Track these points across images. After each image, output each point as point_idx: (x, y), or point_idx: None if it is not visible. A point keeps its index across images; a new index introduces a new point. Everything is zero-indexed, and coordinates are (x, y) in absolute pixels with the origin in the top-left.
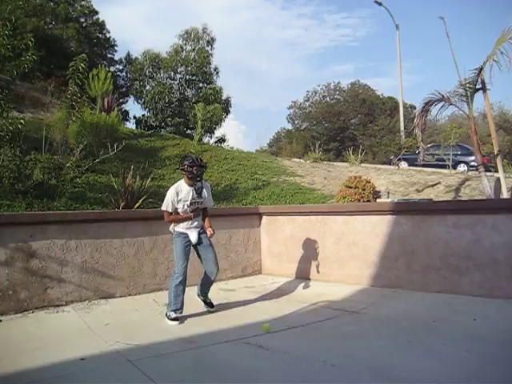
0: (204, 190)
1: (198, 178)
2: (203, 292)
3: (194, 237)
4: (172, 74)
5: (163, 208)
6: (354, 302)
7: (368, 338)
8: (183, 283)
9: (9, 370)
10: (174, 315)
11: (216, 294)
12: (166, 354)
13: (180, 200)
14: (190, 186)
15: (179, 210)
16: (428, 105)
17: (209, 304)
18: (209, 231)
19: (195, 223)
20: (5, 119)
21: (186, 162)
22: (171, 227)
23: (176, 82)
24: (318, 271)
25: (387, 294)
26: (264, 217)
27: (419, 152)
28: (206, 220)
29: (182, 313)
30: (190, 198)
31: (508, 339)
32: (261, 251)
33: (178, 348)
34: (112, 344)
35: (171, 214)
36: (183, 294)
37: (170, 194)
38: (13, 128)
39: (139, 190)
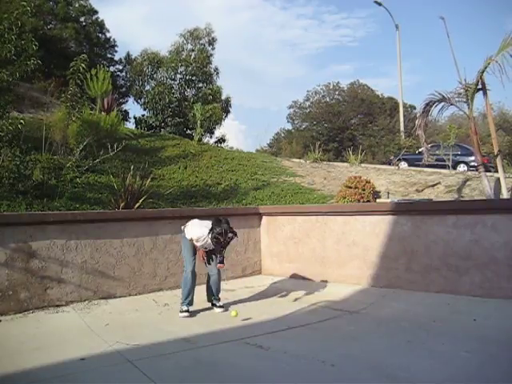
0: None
1: (222, 249)
2: (211, 295)
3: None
4: (172, 73)
5: (187, 236)
6: (353, 302)
7: (368, 338)
8: (194, 275)
9: (9, 370)
10: (185, 308)
11: None
12: (166, 354)
13: (198, 243)
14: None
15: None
16: (428, 105)
17: (219, 307)
18: (219, 266)
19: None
20: (5, 119)
21: (217, 230)
22: (183, 227)
23: (176, 82)
24: (318, 271)
25: (387, 294)
26: (264, 217)
27: (420, 152)
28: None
29: (192, 306)
30: (207, 245)
31: (508, 339)
32: (261, 251)
33: (178, 348)
34: (112, 344)
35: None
36: (194, 288)
37: (194, 234)
38: (13, 128)
39: (139, 190)
